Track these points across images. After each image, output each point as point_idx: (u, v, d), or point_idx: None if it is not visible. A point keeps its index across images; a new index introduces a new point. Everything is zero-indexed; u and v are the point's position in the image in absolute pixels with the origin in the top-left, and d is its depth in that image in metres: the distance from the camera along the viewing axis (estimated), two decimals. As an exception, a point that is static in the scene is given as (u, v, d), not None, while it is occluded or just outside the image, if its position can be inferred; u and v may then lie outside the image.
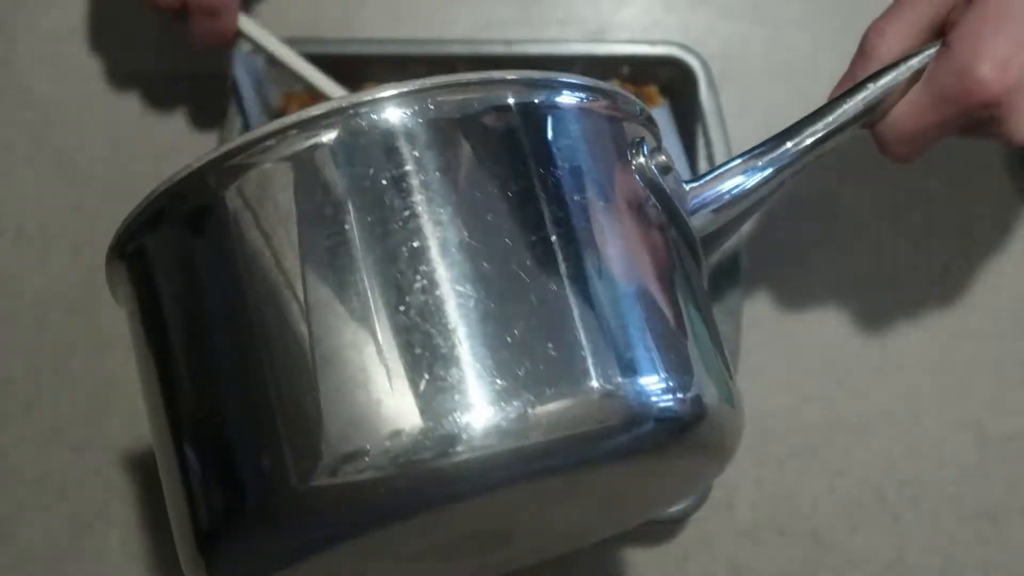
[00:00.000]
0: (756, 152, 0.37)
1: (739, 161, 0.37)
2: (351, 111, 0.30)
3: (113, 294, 0.36)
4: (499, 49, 0.51)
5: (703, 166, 0.51)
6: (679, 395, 0.31)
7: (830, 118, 0.38)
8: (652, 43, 0.52)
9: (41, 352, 0.53)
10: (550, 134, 0.32)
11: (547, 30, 0.55)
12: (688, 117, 0.51)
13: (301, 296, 0.29)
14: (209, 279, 0.31)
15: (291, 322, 0.29)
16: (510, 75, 0.32)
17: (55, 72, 0.55)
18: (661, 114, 0.51)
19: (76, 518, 0.52)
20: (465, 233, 0.29)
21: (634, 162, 0.34)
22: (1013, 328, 0.53)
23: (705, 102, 0.51)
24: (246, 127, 0.50)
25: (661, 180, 0.34)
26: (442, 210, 0.30)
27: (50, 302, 0.53)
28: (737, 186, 0.37)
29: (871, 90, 0.39)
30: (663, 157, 0.35)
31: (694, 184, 0.36)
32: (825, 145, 0.38)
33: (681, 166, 0.50)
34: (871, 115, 0.39)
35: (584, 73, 0.52)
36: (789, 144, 0.38)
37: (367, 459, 0.28)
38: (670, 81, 0.52)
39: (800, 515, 0.51)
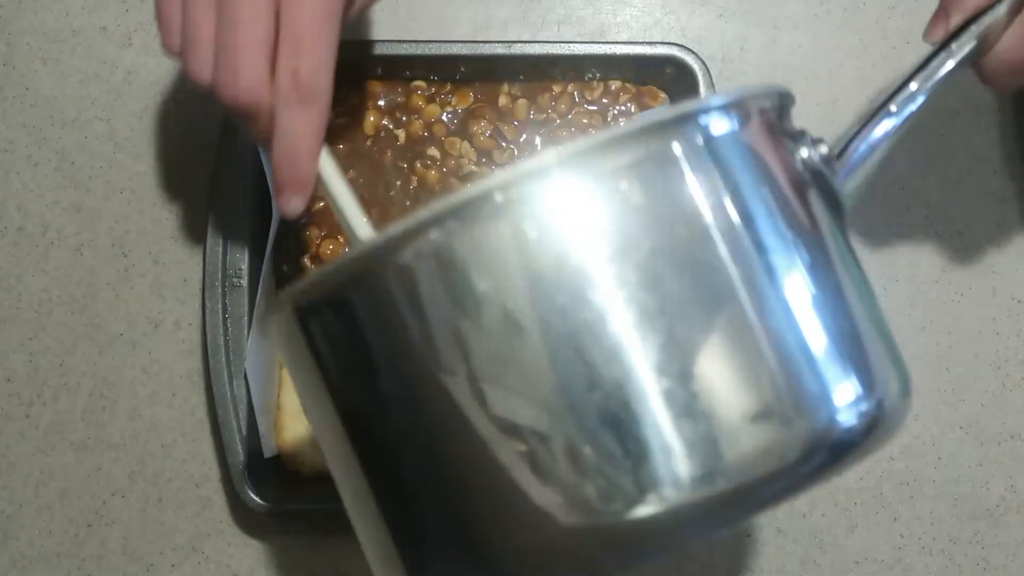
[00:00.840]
0: (882, 107, 0.37)
1: (869, 123, 0.37)
2: (507, 191, 0.29)
3: (263, 331, 0.35)
4: (499, 49, 0.51)
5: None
6: (863, 408, 0.31)
7: (940, 62, 0.38)
8: (652, 43, 0.52)
9: (41, 352, 0.53)
10: (721, 166, 0.31)
11: (547, 30, 0.55)
12: (688, 117, 0.52)
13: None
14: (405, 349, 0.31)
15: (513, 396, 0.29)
16: (666, 115, 0.31)
17: (55, 72, 0.55)
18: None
19: (76, 518, 0.52)
20: (650, 286, 0.29)
21: (798, 157, 0.34)
22: (1013, 328, 0.53)
23: (705, 102, 0.51)
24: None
25: (825, 170, 0.34)
26: (626, 270, 0.29)
27: (50, 302, 0.53)
28: (871, 144, 0.37)
29: (973, 31, 0.39)
30: (825, 148, 0.35)
31: (840, 158, 0.36)
32: (936, 89, 0.38)
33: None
34: (979, 53, 0.39)
35: (583, 72, 0.52)
36: (913, 86, 0.38)
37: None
38: (670, 81, 0.52)
39: (799, 515, 0.52)
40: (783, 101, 0.35)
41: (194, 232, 0.52)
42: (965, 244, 0.54)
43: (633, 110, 0.53)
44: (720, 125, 0.32)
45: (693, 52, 0.51)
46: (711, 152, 0.31)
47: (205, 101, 0.54)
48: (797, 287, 0.31)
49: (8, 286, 0.53)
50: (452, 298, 0.30)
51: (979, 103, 0.55)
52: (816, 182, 0.34)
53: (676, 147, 0.31)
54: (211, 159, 0.51)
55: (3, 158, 0.54)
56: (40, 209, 0.54)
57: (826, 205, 0.35)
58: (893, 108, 0.37)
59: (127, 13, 0.55)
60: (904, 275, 0.53)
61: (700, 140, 0.31)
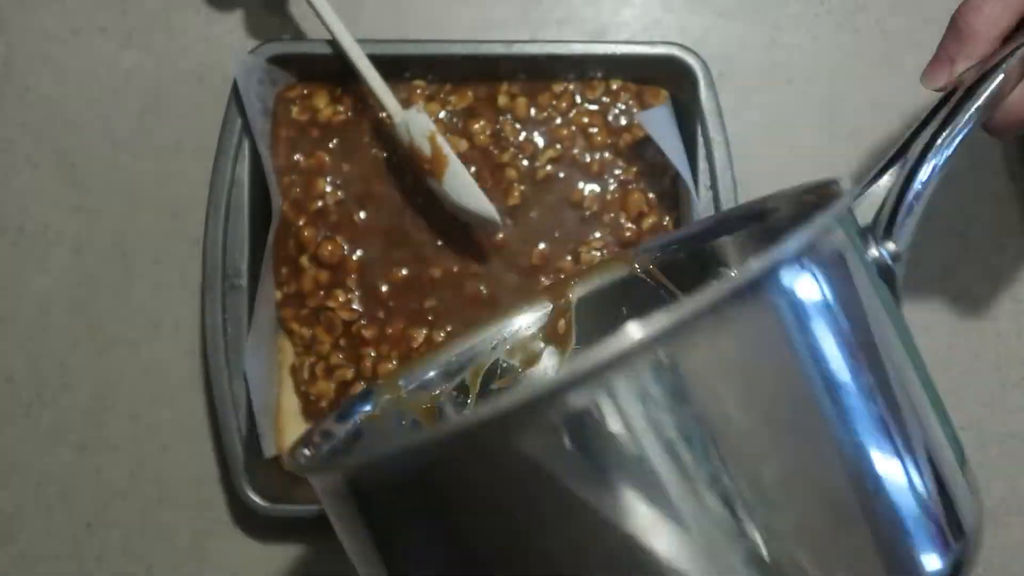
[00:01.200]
0: (912, 170, 0.36)
1: (897, 197, 0.35)
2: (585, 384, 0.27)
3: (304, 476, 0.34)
4: (499, 49, 0.51)
5: (703, 166, 0.51)
6: (952, 558, 0.30)
7: (964, 112, 0.37)
8: (652, 43, 0.52)
9: (41, 352, 0.53)
10: (805, 312, 0.29)
11: (547, 30, 0.55)
12: (688, 117, 0.51)
13: None
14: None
15: None
16: (747, 273, 0.28)
17: (55, 72, 0.55)
18: (662, 113, 0.51)
19: (76, 518, 0.52)
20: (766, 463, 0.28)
21: (870, 255, 0.33)
22: (1013, 328, 0.53)
23: (705, 102, 0.51)
24: (246, 127, 0.50)
25: (895, 268, 0.33)
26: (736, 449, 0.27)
27: (50, 302, 0.53)
28: (908, 210, 0.35)
29: (988, 90, 0.37)
30: (892, 244, 0.33)
31: (892, 240, 0.35)
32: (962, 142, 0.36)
33: (681, 164, 0.50)
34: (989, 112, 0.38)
35: (583, 72, 0.52)
36: (940, 142, 0.36)
37: None
38: (670, 81, 0.52)
39: (800, 515, 0.51)
40: (845, 198, 0.33)
41: (194, 232, 0.52)
42: (965, 244, 0.54)
43: (635, 109, 0.53)
44: (805, 282, 0.29)
45: (693, 52, 0.51)
46: (801, 304, 0.29)
47: (204, 100, 0.54)
48: (886, 449, 0.30)
49: (8, 286, 0.53)
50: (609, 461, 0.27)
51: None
52: (886, 282, 0.33)
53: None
54: (211, 159, 0.51)
55: (3, 158, 0.54)
56: (40, 209, 0.53)
57: (894, 305, 0.33)
58: (922, 172, 0.36)
59: (127, 13, 0.55)
60: (904, 275, 0.53)
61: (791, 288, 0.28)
